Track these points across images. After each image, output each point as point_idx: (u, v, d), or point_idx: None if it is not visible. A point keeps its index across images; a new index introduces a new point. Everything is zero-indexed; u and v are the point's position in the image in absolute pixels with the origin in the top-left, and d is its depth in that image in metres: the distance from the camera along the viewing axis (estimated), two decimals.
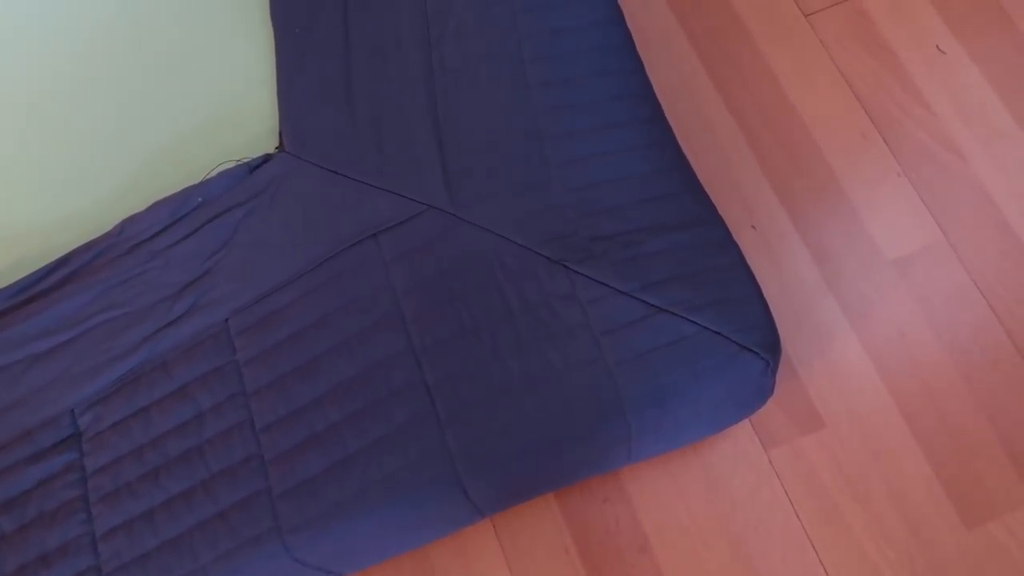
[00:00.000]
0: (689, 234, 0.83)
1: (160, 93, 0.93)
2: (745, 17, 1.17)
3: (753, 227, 1.07)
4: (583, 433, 0.77)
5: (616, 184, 0.85)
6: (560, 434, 0.77)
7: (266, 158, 0.88)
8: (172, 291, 0.83)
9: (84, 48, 0.95)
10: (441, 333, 0.79)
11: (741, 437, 0.97)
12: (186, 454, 0.78)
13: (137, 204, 0.87)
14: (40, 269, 0.85)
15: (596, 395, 0.77)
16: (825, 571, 0.91)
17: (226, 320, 0.82)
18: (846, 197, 1.07)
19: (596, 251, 0.81)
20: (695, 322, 0.78)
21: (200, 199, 0.85)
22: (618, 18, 0.95)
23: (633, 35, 0.99)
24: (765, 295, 0.97)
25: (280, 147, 0.89)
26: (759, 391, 0.84)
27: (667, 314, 0.78)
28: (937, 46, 1.13)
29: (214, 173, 0.86)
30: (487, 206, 0.83)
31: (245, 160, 0.87)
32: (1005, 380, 0.97)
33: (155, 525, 0.76)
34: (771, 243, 1.06)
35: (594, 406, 0.77)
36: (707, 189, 1.01)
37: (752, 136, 1.11)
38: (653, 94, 0.92)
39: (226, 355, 0.81)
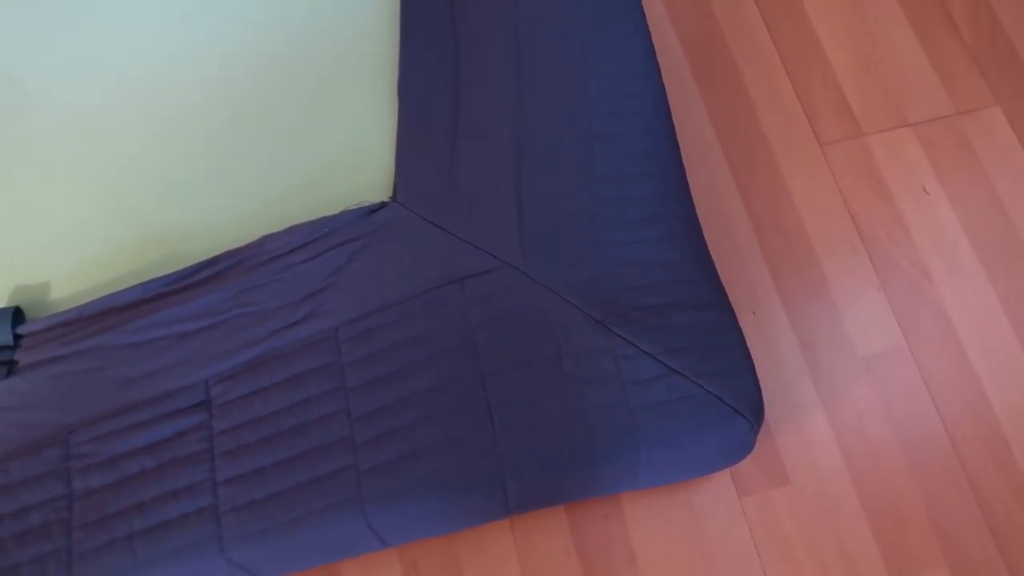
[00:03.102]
0: (705, 315, 1.05)
1: (303, 136, 1.15)
2: (771, 138, 1.41)
3: (754, 313, 1.30)
4: (603, 458, 0.99)
5: (653, 266, 1.07)
6: (585, 456, 0.98)
7: (382, 205, 1.10)
8: (296, 299, 1.05)
9: (247, 93, 1.18)
10: (503, 364, 1.01)
11: (722, 483, 1.19)
12: (294, 429, 0.99)
13: (274, 225, 1.09)
14: (192, 265, 1.06)
15: (618, 430, 0.98)
16: None
17: (336, 328, 1.04)
18: (832, 299, 1.30)
19: (632, 317, 1.03)
20: (701, 385, 1.00)
21: (327, 229, 1.07)
22: (670, 130, 1.18)
23: (680, 141, 1.23)
24: (758, 371, 1.20)
25: (393, 197, 1.11)
26: (742, 446, 1.06)
27: (680, 376, 1.00)
28: (923, 187, 1.37)
29: (340, 211, 1.09)
30: (550, 269, 1.05)
31: (365, 204, 1.10)
32: (939, 466, 1.19)
33: (265, 480, 0.96)
34: (767, 328, 1.29)
35: (615, 439, 0.98)
36: (721, 275, 1.24)
37: (762, 236, 1.34)
38: (689, 194, 1.15)
39: (333, 356, 1.02)
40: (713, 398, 0.99)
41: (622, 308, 1.04)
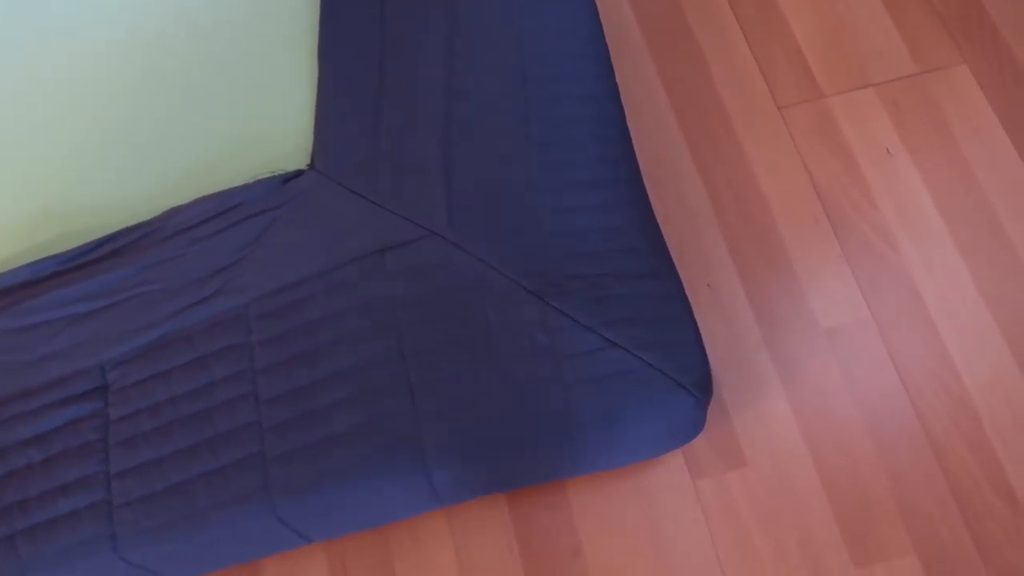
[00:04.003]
0: (648, 284, 0.98)
1: (215, 105, 1.07)
2: (727, 103, 1.33)
3: (709, 285, 1.22)
4: (536, 439, 0.91)
5: (593, 233, 0.99)
6: (517, 437, 0.91)
7: (298, 173, 1.02)
8: (204, 274, 0.97)
9: (157, 58, 1.10)
10: (428, 341, 0.93)
11: (674, 465, 1.11)
12: (197, 415, 0.91)
13: (183, 198, 1.01)
14: (91, 242, 0.98)
15: (552, 408, 0.90)
16: None
17: (246, 306, 0.95)
18: (792, 270, 1.22)
19: (567, 288, 0.95)
20: (641, 358, 0.92)
21: (239, 200, 0.99)
22: (613, 93, 1.11)
23: (629, 106, 1.15)
24: (713, 346, 1.12)
25: (311, 165, 1.03)
26: (690, 424, 0.99)
27: (619, 349, 0.93)
28: (887, 149, 1.29)
29: (252, 180, 1.00)
30: (481, 238, 0.98)
31: (280, 172, 1.01)
32: (906, 444, 1.11)
33: (164, 471, 0.88)
34: (723, 302, 1.21)
35: (549, 417, 0.90)
36: (674, 247, 1.16)
37: (719, 206, 1.27)
38: (635, 159, 1.08)
39: (242, 336, 0.94)
40: (654, 371, 0.92)
41: (558, 278, 0.96)
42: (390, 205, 0.99)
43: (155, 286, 0.96)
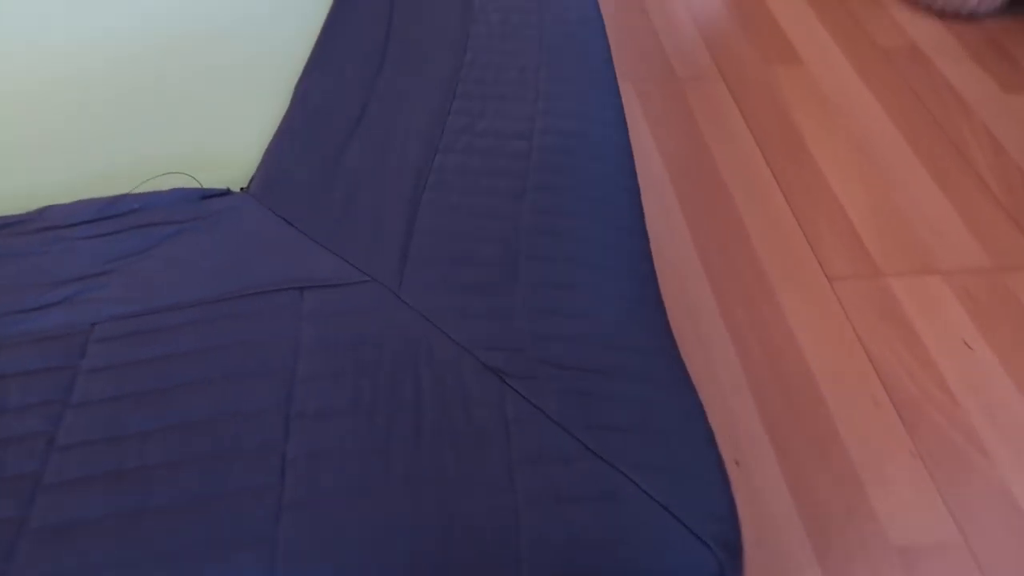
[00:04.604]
0: (655, 392, 0.69)
1: (167, 109, 0.91)
2: (766, 265, 1.13)
3: (737, 462, 0.91)
4: (458, 569, 0.57)
5: (586, 320, 0.73)
6: (427, 559, 0.57)
7: (224, 192, 0.81)
8: (55, 280, 0.72)
9: (118, 52, 0.97)
10: (328, 403, 0.64)
11: None
12: None
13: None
14: None
15: (488, 529, 0.58)
16: None
17: (93, 324, 0.69)
18: (850, 462, 0.92)
19: (540, 374, 0.67)
20: (637, 484, 0.61)
21: (137, 206, 0.77)
22: (632, 187, 0.91)
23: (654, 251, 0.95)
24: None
25: (245, 189, 0.82)
26: None
27: (605, 464, 0.62)
28: (965, 341, 1.05)
29: (165, 187, 0.79)
30: (434, 296, 0.72)
31: (204, 188, 0.80)
32: None
33: None
34: (754, 485, 0.89)
35: (481, 542, 0.57)
36: None
37: (753, 373, 1.00)
38: (651, 262, 0.85)
39: (69, 359, 0.66)
40: (656, 506, 0.60)
41: (528, 360, 0.69)
42: (325, 240, 0.76)
43: None
